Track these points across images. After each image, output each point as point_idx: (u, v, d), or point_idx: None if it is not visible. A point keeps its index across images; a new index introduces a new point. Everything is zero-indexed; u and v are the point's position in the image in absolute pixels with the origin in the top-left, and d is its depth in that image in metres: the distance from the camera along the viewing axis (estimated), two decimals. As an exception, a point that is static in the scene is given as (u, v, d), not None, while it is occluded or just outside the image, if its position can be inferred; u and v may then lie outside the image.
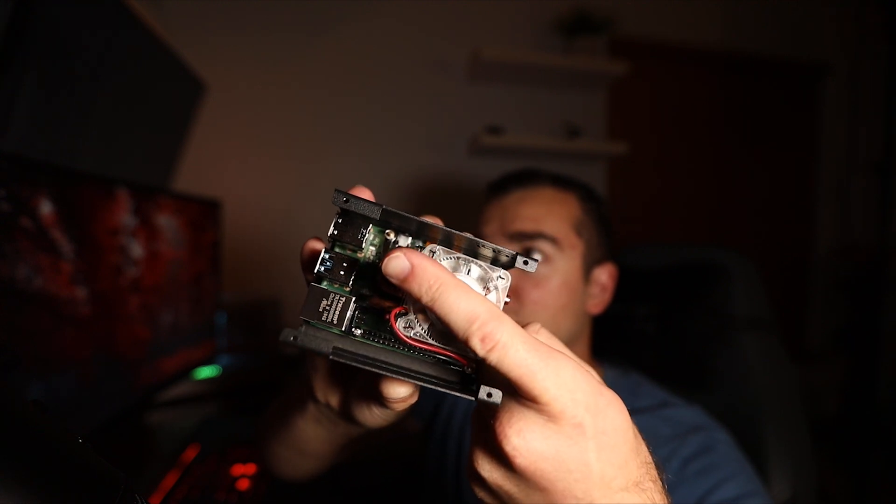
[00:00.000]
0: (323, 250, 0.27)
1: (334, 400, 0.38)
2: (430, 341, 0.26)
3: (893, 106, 1.83)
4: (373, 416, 0.34)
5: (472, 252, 0.27)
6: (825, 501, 1.82)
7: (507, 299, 0.26)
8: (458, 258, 0.26)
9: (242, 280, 1.48)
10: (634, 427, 0.26)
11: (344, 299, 0.26)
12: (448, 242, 0.27)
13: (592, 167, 1.84)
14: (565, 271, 0.65)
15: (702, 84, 2.01)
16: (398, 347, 0.27)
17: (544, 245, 0.65)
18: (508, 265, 0.27)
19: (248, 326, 1.32)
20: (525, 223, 0.66)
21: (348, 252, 0.27)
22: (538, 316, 0.63)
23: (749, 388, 0.76)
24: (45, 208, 0.62)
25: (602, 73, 1.68)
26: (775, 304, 0.82)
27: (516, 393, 0.24)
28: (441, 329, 0.25)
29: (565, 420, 0.23)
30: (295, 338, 0.25)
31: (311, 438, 0.47)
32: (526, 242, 0.65)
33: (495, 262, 0.27)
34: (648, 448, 0.27)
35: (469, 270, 0.26)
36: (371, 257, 0.28)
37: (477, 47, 1.58)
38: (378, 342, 0.27)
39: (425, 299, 0.23)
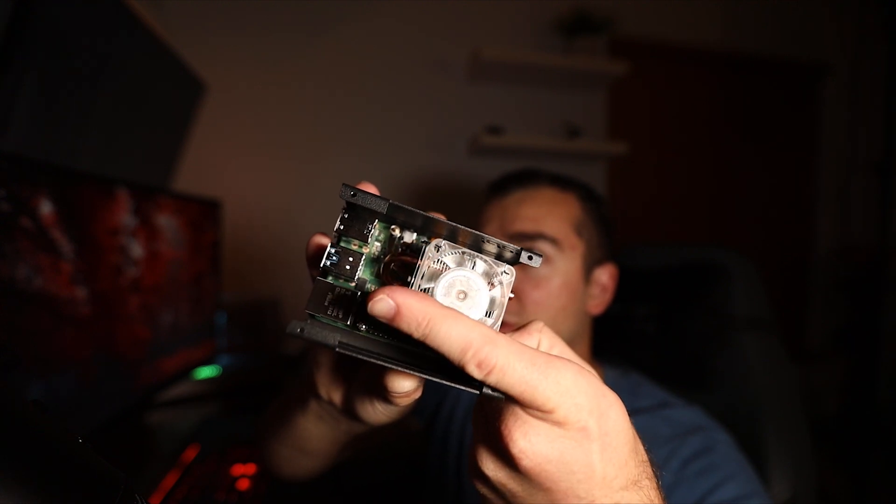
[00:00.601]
0: (329, 245, 0.27)
1: (337, 396, 0.38)
2: None
3: (893, 106, 1.83)
4: (375, 413, 0.35)
5: (477, 247, 0.27)
6: (825, 501, 1.82)
7: (511, 294, 0.26)
8: (464, 253, 0.26)
9: (242, 280, 1.48)
10: (633, 427, 0.26)
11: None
12: (453, 238, 0.27)
13: (592, 167, 1.84)
14: (566, 272, 0.65)
15: (702, 84, 2.00)
16: (402, 342, 0.27)
17: (545, 246, 0.65)
18: (513, 261, 0.27)
19: (248, 326, 1.32)
20: (525, 224, 0.66)
21: (354, 247, 0.27)
22: (538, 317, 0.63)
23: (749, 388, 0.76)
24: (45, 208, 0.62)
25: (602, 73, 1.68)
26: (775, 304, 0.82)
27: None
28: None
29: (570, 425, 0.23)
30: (302, 330, 0.25)
31: (312, 436, 0.47)
32: (526, 243, 0.65)
33: (499, 257, 0.27)
34: (645, 447, 0.27)
35: (474, 265, 0.26)
36: (376, 252, 0.28)
37: (477, 47, 1.58)
38: (382, 337, 0.27)
39: (417, 335, 0.23)
